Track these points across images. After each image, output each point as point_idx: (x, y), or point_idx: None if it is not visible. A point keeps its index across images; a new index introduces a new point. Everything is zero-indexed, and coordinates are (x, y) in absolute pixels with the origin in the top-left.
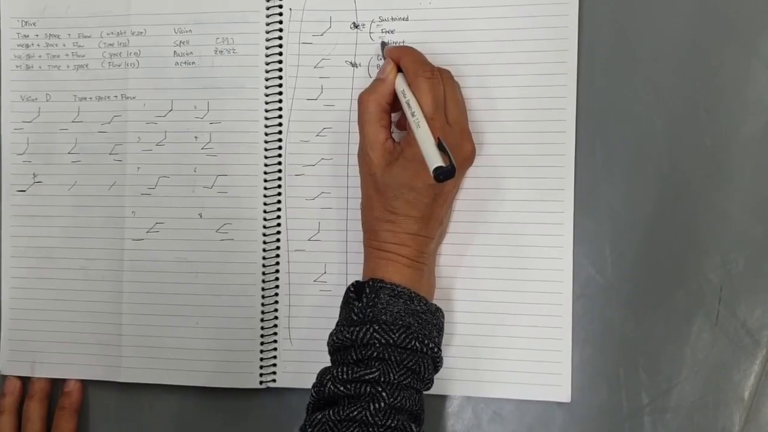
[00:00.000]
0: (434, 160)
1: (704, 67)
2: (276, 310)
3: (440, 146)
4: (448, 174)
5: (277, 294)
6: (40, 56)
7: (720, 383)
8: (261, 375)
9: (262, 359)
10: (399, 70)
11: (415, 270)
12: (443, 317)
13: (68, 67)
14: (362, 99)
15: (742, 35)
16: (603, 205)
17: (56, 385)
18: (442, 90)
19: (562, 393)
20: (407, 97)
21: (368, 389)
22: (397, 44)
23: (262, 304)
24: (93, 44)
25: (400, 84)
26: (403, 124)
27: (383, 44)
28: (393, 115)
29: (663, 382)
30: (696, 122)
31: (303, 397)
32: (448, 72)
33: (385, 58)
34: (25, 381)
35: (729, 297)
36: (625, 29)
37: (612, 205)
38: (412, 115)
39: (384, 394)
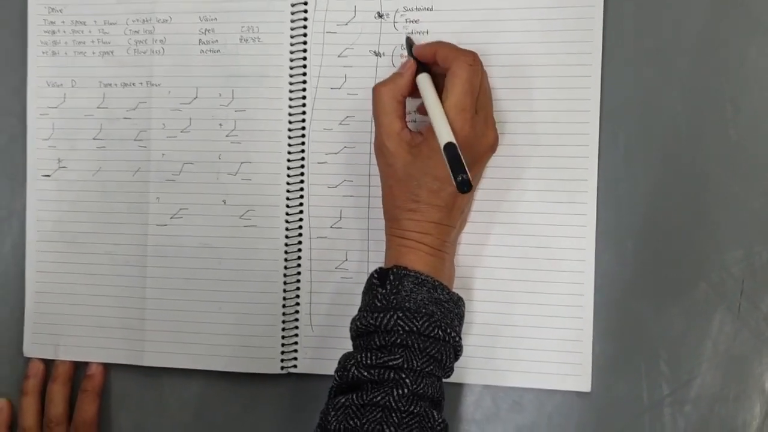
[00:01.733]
0: (458, 170)
1: (729, 58)
2: (298, 296)
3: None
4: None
5: (299, 280)
6: (66, 43)
7: (741, 375)
8: (282, 360)
9: (283, 345)
10: (418, 69)
11: (437, 258)
12: (464, 306)
13: (94, 53)
14: (376, 90)
15: (767, 25)
16: (625, 197)
17: (79, 368)
18: (479, 80)
19: (583, 383)
20: (429, 100)
21: (392, 375)
22: (423, 39)
23: (284, 290)
24: (119, 31)
25: (425, 87)
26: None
27: (408, 40)
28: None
29: (684, 374)
30: (721, 115)
31: (324, 383)
32: (480, 60)
33: (410, 54)
34: (49, 364)
35: (751, 290)
36: (649, 21)
37: (634, 197)
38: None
39: (407, 380)
